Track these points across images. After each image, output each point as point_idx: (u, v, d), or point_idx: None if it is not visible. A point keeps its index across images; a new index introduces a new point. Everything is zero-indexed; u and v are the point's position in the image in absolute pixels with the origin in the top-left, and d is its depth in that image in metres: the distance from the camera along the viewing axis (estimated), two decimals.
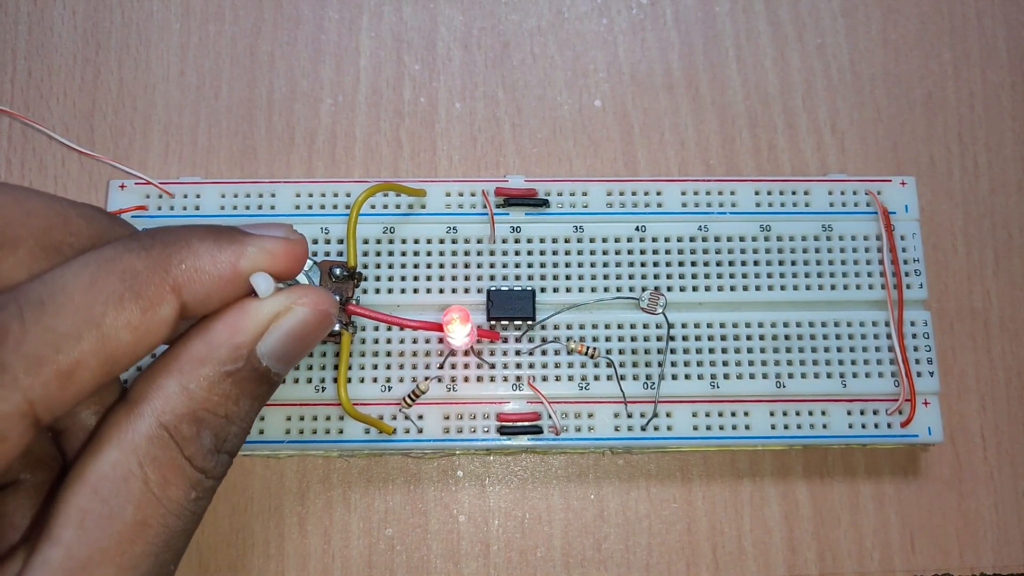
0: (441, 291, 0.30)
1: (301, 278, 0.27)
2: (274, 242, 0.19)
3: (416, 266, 0.31)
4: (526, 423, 0.29)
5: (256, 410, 0.20)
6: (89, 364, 0.16)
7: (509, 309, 0.30)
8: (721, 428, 0.30)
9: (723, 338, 0.30)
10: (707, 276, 0.31)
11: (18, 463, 0.21)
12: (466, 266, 0.31)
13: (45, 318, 0.16)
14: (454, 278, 0.31)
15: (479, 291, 0.30)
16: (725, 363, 0.30)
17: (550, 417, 0.29)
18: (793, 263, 0.31)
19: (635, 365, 0.30)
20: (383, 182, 0.30)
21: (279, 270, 0.20)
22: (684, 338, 0.30)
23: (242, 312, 0.19)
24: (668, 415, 0.30)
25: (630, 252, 0.31)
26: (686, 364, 0.30)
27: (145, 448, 0.18)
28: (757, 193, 0.32)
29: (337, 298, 0.27)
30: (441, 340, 0.30)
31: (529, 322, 0.30)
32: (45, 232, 0.18)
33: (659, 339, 0.30)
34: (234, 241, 0.19)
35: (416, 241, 0.31)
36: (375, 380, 0.30)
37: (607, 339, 0.30)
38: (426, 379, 0.29)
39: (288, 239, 0.20)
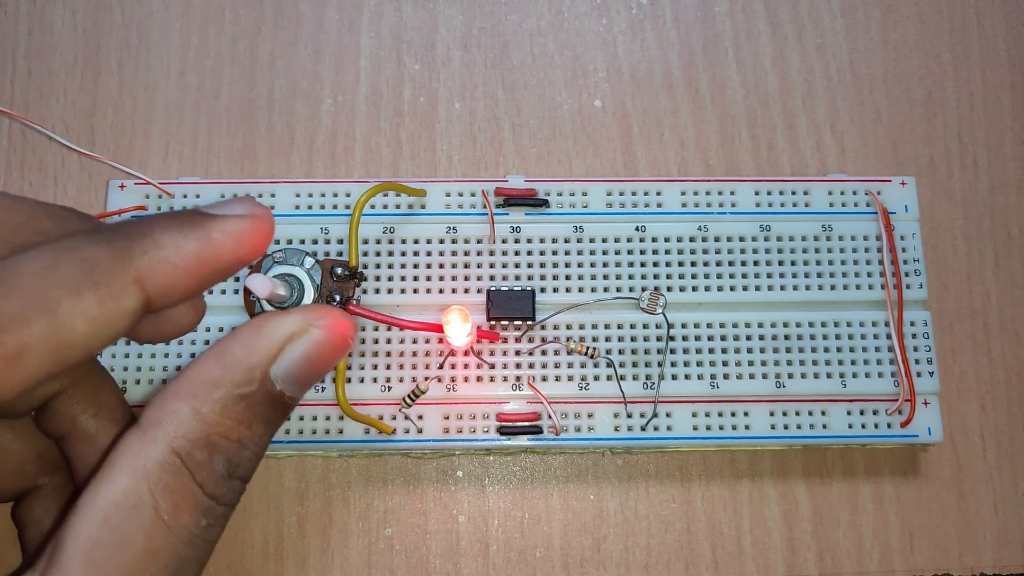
0: (441, 291, 0.30)
1: (303, 277, 0.27)
2: (238, 222, 0.19)
3: (416, 266, 0.31)
4: (526, 423, 0.29)
5: (270, 435, 0.19)
6: (38, 350, 0.16)
7: (509, 309, 0.30)
8: (721, 428, 0.30)
9: (723, 338, 0.30)
10: (707, 276, 0.31)
11: (33, 468, 0.21)
12: (466, 266, 0.31)
13: None
14: (454, 278, 0.31)
15: (479, 291, 0.30)
16: (725, 363, 0.30)
17: (550, 417, 0.29)
18: (793, 263, 0.31)
19: (635, 365, 0.30)
20: (385, 182, 0.30)
21: (246, 253, 0.19)
22: (684, 338, 0.30)
23: (256, 331, 0.19)
24: (668, 415, 0.30)
25: (630, 252, 0.31)
26: (686, 364, 0.30)
27: (156, 475, 0.17)
28: (757, 193, 0.32)
29: (337, 297, 0.27)
30: (441, 340, 0.30)
31: (529, 322, 0.30)
32: (12, 233, 0.18)
33: (659, 339, 0.30)
34: (197, 226, 0.18)
35: (416, 241, 0.31)
36: (375, 380, 0.30)
37: (607, 339, 0.30)
38: (426, 379, 0.29)
39: (253, 216, 0.19)
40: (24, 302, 0.16)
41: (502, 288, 0.30)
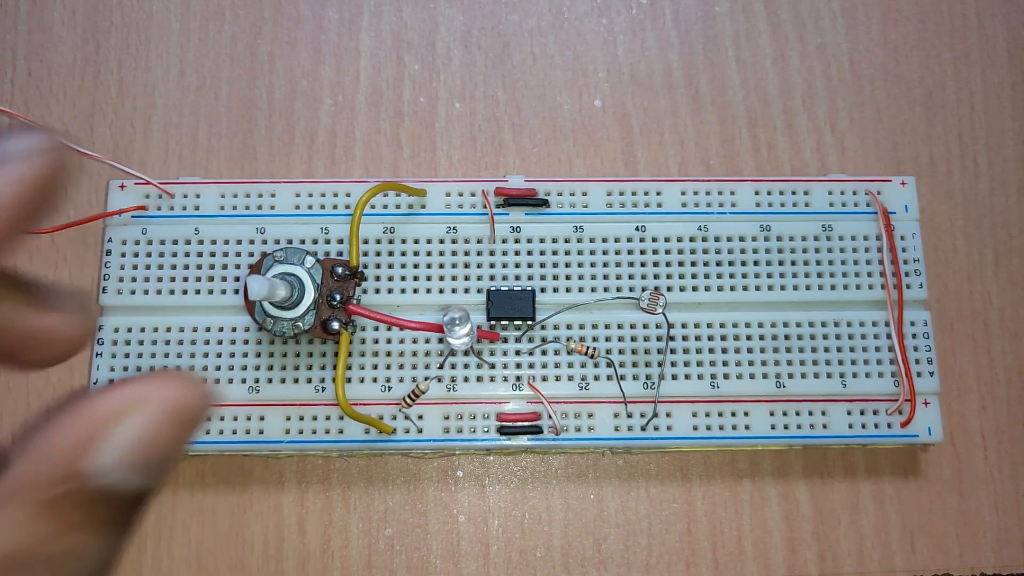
0: (441, 291, 0.30)
1: (304, 277, 0.27)
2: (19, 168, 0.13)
3: (416, 266, 0.31)
4: (526, 423, 0.29)
5: (115, 539, 0.14)
6: None
7: (509, 309, 0.30)
8: (721, 428, 0.30)
9: (723, 338, 0.30)
10: (707, 276, 0.31)
11: None
12: (466, 266, 0.31)
13: None
14: (454, 278, 0.31)
15: (479, 291, 0.30)
16: (725, 363, 0.30)
17: (550, 417, 0.29)
18: (793, 263, 0.31)
19: (635, 365, 0.30)
20: (385, 182, 0.30)
21: (40, 201, 0.14)
22: (684, 338, 0.30)
23: (73, 415, 0.14)
24: (668, 415, 0.30)
25: (630, 252, 0.31)
26: (686, 364, 0.30)
27: None
28: (757, 193, 0.32)
29: (337, 297, 0.27)
30: (441, 340, 0.30)
31: (529, 322, 0.30)
32: None
33: (659, 339, 0.30)
34: None
35: (416, 241, 0.31)
36: (375, 380, 0.30)
37: (607, 339, 0.30)
38: (426, 379, 0.29)
39: (41, 149, 0.14)
40: None
41: (502, 288, 0.30)
